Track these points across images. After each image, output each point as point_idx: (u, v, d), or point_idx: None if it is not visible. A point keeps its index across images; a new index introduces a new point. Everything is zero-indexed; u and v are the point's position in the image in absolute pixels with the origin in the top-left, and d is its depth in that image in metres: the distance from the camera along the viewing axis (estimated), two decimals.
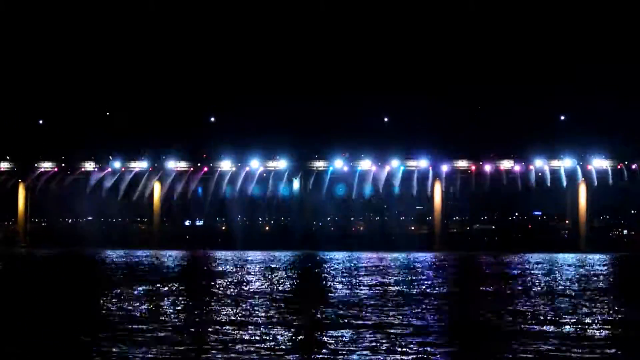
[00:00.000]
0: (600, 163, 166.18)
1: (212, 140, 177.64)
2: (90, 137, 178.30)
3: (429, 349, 36.86)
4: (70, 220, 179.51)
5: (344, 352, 35.69)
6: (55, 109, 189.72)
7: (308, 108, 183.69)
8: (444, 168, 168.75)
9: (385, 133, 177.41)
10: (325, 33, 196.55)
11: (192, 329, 43.06)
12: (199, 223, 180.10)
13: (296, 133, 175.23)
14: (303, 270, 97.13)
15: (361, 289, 66.69)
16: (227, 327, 43.42)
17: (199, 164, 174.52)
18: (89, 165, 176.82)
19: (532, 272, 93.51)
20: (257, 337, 39.67)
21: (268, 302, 55.28)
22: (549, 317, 48.59)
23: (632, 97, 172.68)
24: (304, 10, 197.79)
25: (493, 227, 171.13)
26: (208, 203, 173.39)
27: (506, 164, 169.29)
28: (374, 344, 37.92)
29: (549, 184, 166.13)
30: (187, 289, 68.49)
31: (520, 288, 69.69)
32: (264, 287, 69.30)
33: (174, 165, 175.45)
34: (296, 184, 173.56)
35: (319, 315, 48.50)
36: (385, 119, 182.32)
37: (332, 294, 62.25)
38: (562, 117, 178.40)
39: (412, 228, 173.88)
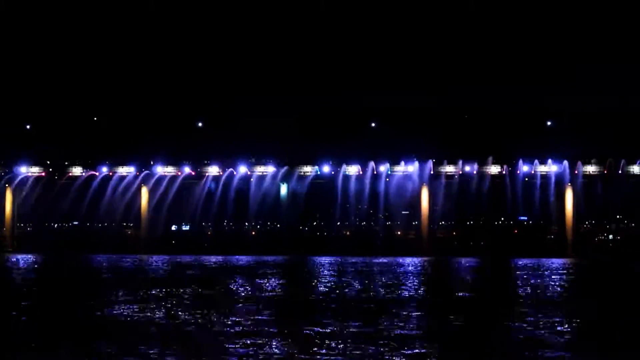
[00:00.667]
0: (586, 168, 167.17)
1: (200, 146, 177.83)
2: (78, 141, 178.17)
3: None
4: (56, 225, 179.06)
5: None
6: (42, 113, 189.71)
7: (296, 114, 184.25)
8: (431, 173, 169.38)
9: (372, 138, 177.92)
10: (314, 38, 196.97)
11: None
12: (185, 228, 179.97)
13: (284, 138, 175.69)
14: (289, 275, 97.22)
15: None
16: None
17: (186, 169, 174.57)
18: (77, 170, 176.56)
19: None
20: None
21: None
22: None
23: (620, 101, 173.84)
24: (290, 17, 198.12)
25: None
26: (195, 208, 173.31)
27: (493, 169, 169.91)
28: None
29: (535, 189, 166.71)
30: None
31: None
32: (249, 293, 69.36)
33: (162, 170, 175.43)
34: (284, 189, 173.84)
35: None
36: (373, 124, 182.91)
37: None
38: (549, 123, 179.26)
39: (399, 233, 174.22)
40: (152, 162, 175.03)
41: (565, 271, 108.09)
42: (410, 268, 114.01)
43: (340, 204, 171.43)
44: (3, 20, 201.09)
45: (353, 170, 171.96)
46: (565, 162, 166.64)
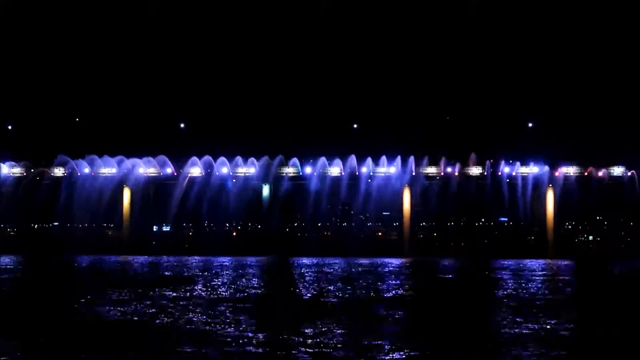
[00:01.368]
0: (567, 170, 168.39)
1: (181, 147, 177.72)
2: (60, 142, 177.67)
3: None
4: (36, 226, 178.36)
5: None
6: (24, 113, 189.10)
7: (278, 114, 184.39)
8: (413, 174, 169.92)
9: (354, 139, 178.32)
10: (296, 39, 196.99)
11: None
12: (166, 229, 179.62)
13: (266, 140, 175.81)
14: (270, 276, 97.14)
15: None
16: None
17: (168, 170, 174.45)
18: (58, 171, 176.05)
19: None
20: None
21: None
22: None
23: (599, 104, 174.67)
24: (270, 17, 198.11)
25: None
26: (176, 209, 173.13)
27: (474, 170, 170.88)
28: None
29: (517, 190, 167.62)
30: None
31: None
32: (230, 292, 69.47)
33: (144, 170, 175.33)
34: (265, 190, 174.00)
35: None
36: (355, 125, 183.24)
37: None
38: (530, 124, 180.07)
39: (380, 234, 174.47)
40: (134, 163, 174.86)
41: (543, 273, 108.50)
42: (386, 270, 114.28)
43: (321, 205, 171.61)
44: None
45: (335, 171, 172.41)
46: (546, 165, 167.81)
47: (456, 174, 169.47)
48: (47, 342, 40.13)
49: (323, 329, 44.66)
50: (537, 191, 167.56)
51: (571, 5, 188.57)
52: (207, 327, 45.29)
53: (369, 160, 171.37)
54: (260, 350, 38.10)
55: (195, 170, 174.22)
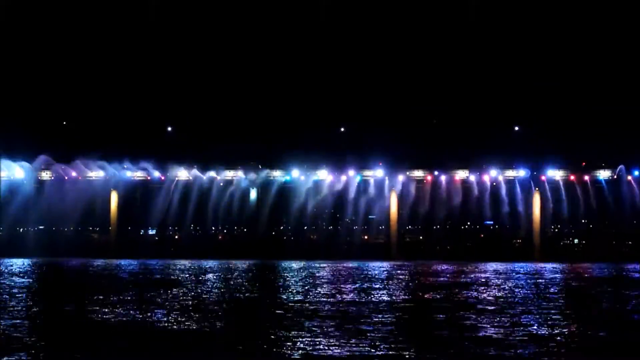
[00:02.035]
0: (553, 174, 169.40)
1: (169, 150, 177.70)
2: (46, 145, 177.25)
3: None
4: (21, 230, 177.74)
5: None
6: (13, 114, 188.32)
7: (266, 117, 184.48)
8: (400, 178, 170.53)
9: (342, 142, 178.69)
10: (285, 43, 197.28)
11: None
12: (152, 232, 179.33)
13: (253, 143, 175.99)
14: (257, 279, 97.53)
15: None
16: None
17: (155, 173, 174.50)
18: (45, 175, 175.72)
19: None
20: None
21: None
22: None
23: (586, 107, 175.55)
24: (259, 22, 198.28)
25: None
26: (162, 212, 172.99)
27: (461, 174, 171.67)
28: None
29: (503, 194, 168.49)
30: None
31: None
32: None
33: (131, 174, 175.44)
34: (253, 193, 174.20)
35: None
36: (342, 129, 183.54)
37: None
38: (517, 128, 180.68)
39: (366, 237, 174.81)
40: (123, 167, 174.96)
41: (530, 275, 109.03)
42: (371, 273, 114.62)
43: (308, 209, 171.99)
44: None
45: (322, 174, 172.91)
46: (532, 168, 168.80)
47: (443, 177, 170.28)
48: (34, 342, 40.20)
49: (308, 331, 44.90)
50: (523, 194, 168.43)
51: (557, 9, 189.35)
52: (194, 327, 45.44)
53: (357, 164, 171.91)
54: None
55: (182, 173, 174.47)
